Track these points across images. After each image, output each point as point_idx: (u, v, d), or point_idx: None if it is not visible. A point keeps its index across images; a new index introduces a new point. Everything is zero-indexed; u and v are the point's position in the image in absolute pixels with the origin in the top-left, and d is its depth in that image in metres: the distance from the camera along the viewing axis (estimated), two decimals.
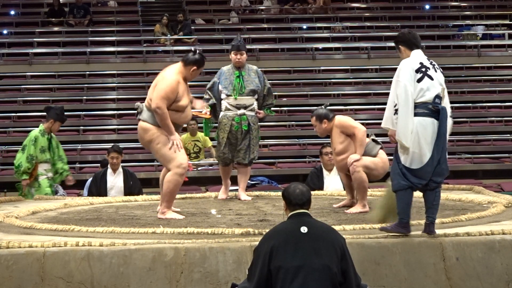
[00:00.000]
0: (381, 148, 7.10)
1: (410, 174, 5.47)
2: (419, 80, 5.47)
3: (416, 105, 5.44)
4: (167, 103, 6.62)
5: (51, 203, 7.65)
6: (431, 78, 5.51)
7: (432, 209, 5.55)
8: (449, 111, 5.60)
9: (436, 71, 5.58)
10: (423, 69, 5.51)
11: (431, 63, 5.60)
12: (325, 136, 7.27)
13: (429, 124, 5.46)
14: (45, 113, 8.95)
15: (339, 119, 7.12)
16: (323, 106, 7.20)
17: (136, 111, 6.84)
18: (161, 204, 6.77)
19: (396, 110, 5.40)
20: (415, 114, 5.43)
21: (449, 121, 5.62)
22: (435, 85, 5.52)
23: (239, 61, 7.76)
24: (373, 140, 7.10)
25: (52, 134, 8.78)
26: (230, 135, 7.71)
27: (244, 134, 7.72)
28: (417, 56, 5.61)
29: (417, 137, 5.43)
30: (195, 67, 6.80)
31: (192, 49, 7.10)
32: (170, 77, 6.73)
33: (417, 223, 5.96)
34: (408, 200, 5.52)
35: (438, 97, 5.52)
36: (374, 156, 7.00)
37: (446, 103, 5.62)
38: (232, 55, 7.81)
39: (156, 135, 6.67)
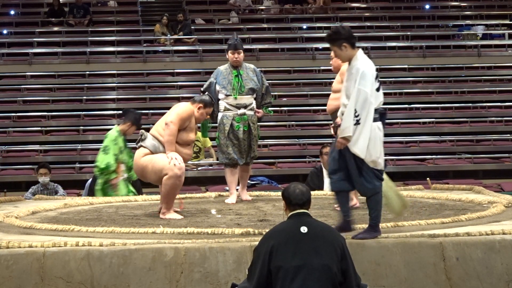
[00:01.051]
0: None
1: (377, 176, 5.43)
2: (378, 89, 5.37)
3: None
4: (181, 124, 6.73)
5: (51, 203, 7.65)
6: (381, 84, 5.46)
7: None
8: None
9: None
10: (378, 77, 5.42)
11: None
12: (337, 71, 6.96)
13: (381, 127, 5.42)
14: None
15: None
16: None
17: (139, 138, 6.83)
18: (161, 205, 6.80)
19: (358, 120, 5.27)
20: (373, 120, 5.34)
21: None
22: (381, 91, 5.44)
23: (236, 60, 7.65)
24: None
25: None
26: (232, 135, 7.61)
27: (246, 134, 7.64)
28: (368, 60, 5.45)
29: (377, 142, 5.36)
30: (201, 105, 6.89)
31: (202, 89, 7.22)
32: (188, 106, 6.89)
33: (417, 223, 5.97)
34: (381, 203, 5.48)
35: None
36: None
37: None
38: (230, 55, 7.70)
39: (151, 159, 6.70)
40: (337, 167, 5.46)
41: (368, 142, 5.30)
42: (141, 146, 6.81)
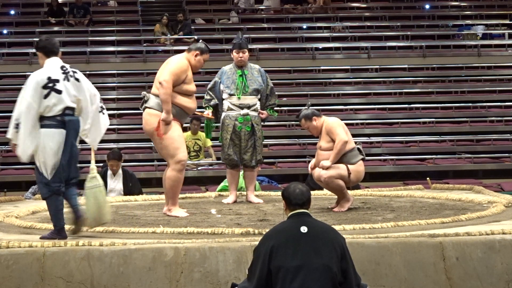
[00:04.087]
0: (363, 159, 7.09)
1: (51, 181, 5.62)
2: (45, 96, 5.60)
3: (45, 119, 5.60)
4: (175, 79, 6.73)
5: None
6: (59, 92, 5.62)
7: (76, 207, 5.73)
8: (99, 106, 5.82)
9: (69, 80, 5.68)
10: (51, 84, 5.62)
11: (64, 72, 5.69)
12: (319, 133, 7.18)
13: (57, 134, 5.61)
14: None
15: (327, 121, 7.08)
16: (306, 106, 7.19)
17: (142, 100, 6.87)
18: (167, 203, 6.82)
19: (17, 125, 5.57)
20: (43, 126, 5.60)
21: (104, 118, 5.89)
22: (64, 99, 5.63)
23: (241, 60, 7.58)
24: (358, 149, 7.08)
25: None
26: (233, 135, 7.53)
27: (248, 135, 7.54)
28: (49, 68, 5.72)
29: (45, 148, 5.60)
30: (197, 52, 6.90)
31: (195, 37, 7.23)
32: (180, 59, 6.87)
33: (417, 223, 5.98)
34: (58, 206, 5.66)
35: (68, 108, 5.66)
36: (352, 164, 7.00)
37: (92, 101, 5.78)
38: (234, 54, 7.62)
39: (170, 136, 6.70)
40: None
41: (38, 148, 5.58)
42: (146, 107, 6.83)
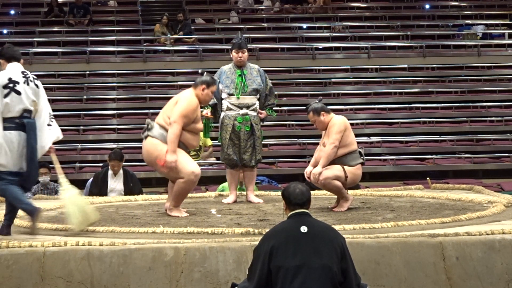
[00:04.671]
0: (362, 163, 7.08)
1: (9, 176, 5.74)
2: (5, 96, 5.73)
3: (4, 120, 5.72)
4: (185, 121, 6.70)
5: (51, 203, 7.65)
6: (18, 93, 5.75)
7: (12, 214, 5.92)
8: (47, 119, 5.92)
9: (28, 84, 5.82)
10: (11, 85, 5.75)
11: (24, 76, 5.83)
12: (325, 129, 7.18)
13: (15, 137, 5.73)
14: None
15: (333, 120, 7.05)
16: (317, 100, 7.17)
17: (145, 127, 6.84)
18: (168, 200, 6.83)
19: None
20: (3, 128, 5.71)
21: (53, 129, 5.98)
22: (23, 100, 5.77)
23: (240, 60, 7.58)
24: (359, 152, 7.07)
25: None
26: (233, 135, 7.53)
27: (248, 135, 7.53)
28: (10, 70, 5.85)
29: (4, 149, 5.71)
30: (204, 86, 6.85)
31: (199, 71, 7.22)
32: (190, 98, 6.82)
33: (417, 223, 5.98)
34: (14, 189, 5.80)
35: (26, 111, 5.79)
36: (350, 166, 6.98)
37: (42, 112, 5.89)
38: (234, 54, 7.62)
39: (164, 152, 6.69)
40: None
41: None
42: (148, 135, 6.82)
